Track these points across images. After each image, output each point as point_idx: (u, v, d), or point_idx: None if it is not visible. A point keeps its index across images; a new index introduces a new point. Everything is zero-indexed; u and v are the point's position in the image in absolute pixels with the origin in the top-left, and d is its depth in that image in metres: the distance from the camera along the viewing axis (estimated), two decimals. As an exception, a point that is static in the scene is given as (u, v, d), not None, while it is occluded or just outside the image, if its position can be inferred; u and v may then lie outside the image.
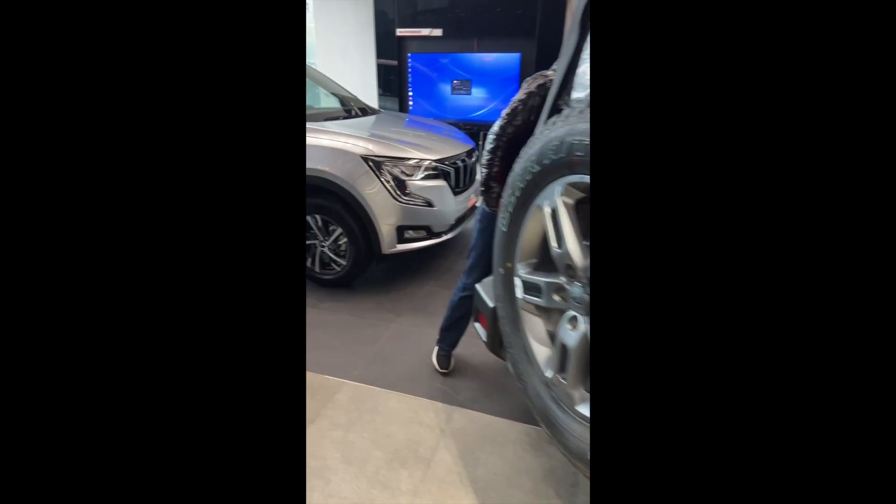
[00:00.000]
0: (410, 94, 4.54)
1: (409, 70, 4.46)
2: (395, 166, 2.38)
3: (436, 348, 1.94)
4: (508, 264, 1.00)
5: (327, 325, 2.21)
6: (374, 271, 2.77)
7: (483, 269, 1.68)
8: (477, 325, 1.48)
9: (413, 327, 2.20)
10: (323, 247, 2.52)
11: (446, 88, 4.42)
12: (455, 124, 3.95)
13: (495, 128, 1.42)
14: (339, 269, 2.53)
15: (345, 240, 2.45)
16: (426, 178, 2.47)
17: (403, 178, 2.40)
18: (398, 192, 2.38)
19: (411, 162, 2.43)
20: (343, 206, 2.38)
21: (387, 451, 1.44)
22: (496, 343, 1.31)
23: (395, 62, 4.55)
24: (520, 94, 1.41)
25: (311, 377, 1.80)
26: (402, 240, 2.46)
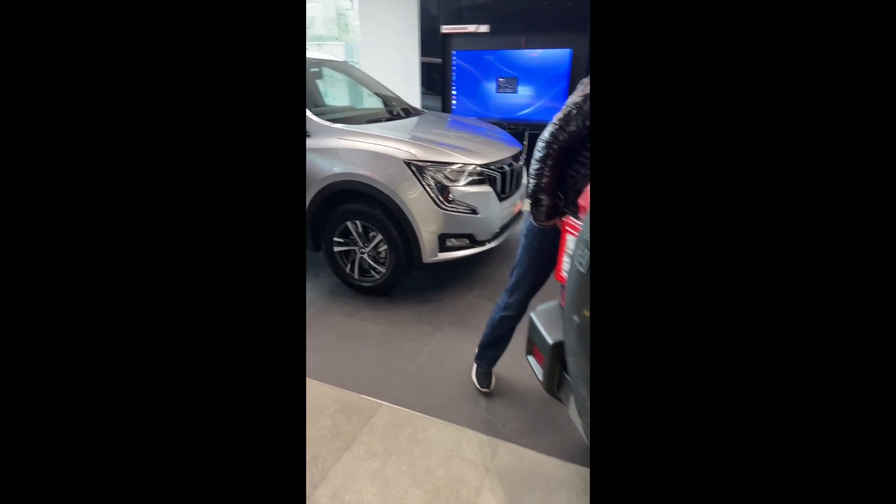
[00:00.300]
0: (454, 92, 4.40)
1: (454, 68, 4.32)
2: (439, 171, 2.26)
3: (474, 365, 1.81)
4: (586, 312, 0.84)
5: (365, 337, 2.12)
6: (413, 279, 2.67)
7: (527, 289, 1.54)
8: (531, 358, 1.33)
9: (453, 343, 2.08)
10: (362, 253, 2.44)
11: (491, 87, 4.25)
12: (499, 124, 3.78)
13: (546, 134, 1.28)
14: (378, 276, 2.45)
15: (385, 247, 2.36)
16: (471, 183, 2.33)
17: (447, 183, 2.27)
18: (441, 199, 2.26)
19: (455, 167, 2.30)
20: (384, 212, 2.29)
21: (426, 490, 1.33)
22: (553, 383, 1.16)
23: (438, 60, 4.42)
24: (575, 97, 1.25)
25: (347, 395, 1.71)
26: (443, 248, 2.34)
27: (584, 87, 1.27)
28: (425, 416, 1.62)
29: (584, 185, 1.23)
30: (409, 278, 2.65)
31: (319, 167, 2.34)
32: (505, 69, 4.15)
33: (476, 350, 1.80)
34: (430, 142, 2.45)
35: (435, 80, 4.56)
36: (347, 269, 2.50)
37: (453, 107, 4.47)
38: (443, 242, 2.32)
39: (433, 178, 2.25)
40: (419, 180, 2.23)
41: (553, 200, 1.32)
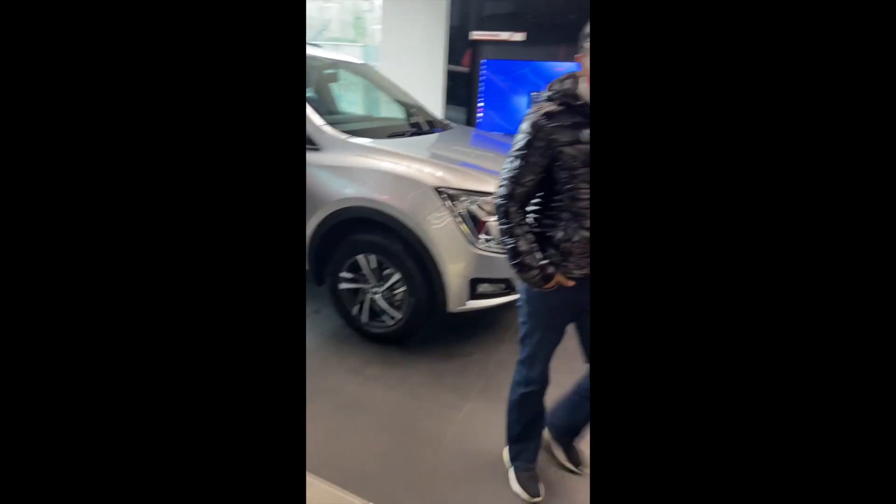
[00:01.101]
0: (481, 104, 4.02)
1: (482, 78, 3.94)
2: (474, 202, 1.84)
3: (511, 469, 1.39)
4: None
5: (373, 407, 1.68)
6: (430, 326, 2.24)
7: (548, 354, 1.27)
8: None
9: (485, 421, 1.64)
10: (374, 294, 2.02)
11: (522, 101, 3.86)
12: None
13: (499, 192, 1.12)
14: (391, 322, 2.02)
15: (402, 288, 1.94)
16: (511, 217, 1.91)
17: (483, 217, 1.85)
18: (474, 236, 1.84)
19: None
20: (404, 246, 1.88)
21: None
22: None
23: (465, 69, 4.04)
24: (530, 124, 1.06)
25: (346, 502, 1.28)
26: (474, 295, 1.91)
27: (537, 110, 1.07)
28: (454, 549, 1.18)
29: (574, 231, 1.09)
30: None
31: (329, 188, 1.94)
32: (540, 82, 3.76)
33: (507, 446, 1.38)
34: (462, 164, 2.04)
35: (458, 90, 4.17)
36: (354, 311, 2.08)
37: (479, 120, 4.09)
38: (474, 288, 1.90)
39: (467, 209, 1.83)
40: (449, 211, 1.82)
41: (542, 258, 1.12)
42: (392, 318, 2.02)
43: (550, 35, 3.67)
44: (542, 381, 1.29)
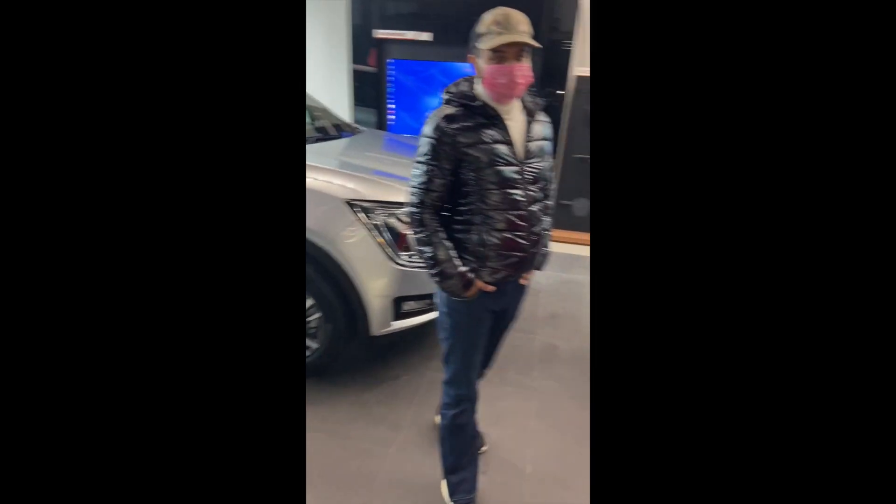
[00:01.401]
0: (392, 107, 3.86)
1: (390, 79, 3.78)
2: (392, 214, 1.70)
3: None
4: None
5: (291, 455, 1.47)
6: (353, 354, 2.05)
7: (477, 365, 1.21)
8: None
9: (423, 452, 1.51)
10: (285, 323, 1.79)
11: (434, 102, 3.79)
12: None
13: (413, 199, 1.09)
14: (308, 353, 1.80)
15: (318, 315, 1.74)
16: (432, 228, 1.80)
17: (402, 229, 1.72)
18: (395, 250, 1.70)
19: (412, 207, 1.75)
20: (316, 268, 1.67)
21: None
22: None
23: (372, 69, 3.86)
24: (425, 145, 1.05)
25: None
26: (399, 315, 1.77)
27: (438, 111, 1.06)
28: None
29: (487, 234, 1.06)
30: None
31: (220, 206, 1.66)
32: (449, 83, 3.71)
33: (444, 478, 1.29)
34: (376, 172, 1.89)
35: (365, 91, 3.97)
36: (263, 344, 1.82)
37: (391, 123, 3.93)
38: (398, 307, 1.76)
39: (385, 222, 1.68)
40: (365, 226, 1.65)
41: (459, 264, 1.08)
42: (307, 348, 1.80)
43: (456, 36, 3.63)
44: (473, 398, 1.25)
